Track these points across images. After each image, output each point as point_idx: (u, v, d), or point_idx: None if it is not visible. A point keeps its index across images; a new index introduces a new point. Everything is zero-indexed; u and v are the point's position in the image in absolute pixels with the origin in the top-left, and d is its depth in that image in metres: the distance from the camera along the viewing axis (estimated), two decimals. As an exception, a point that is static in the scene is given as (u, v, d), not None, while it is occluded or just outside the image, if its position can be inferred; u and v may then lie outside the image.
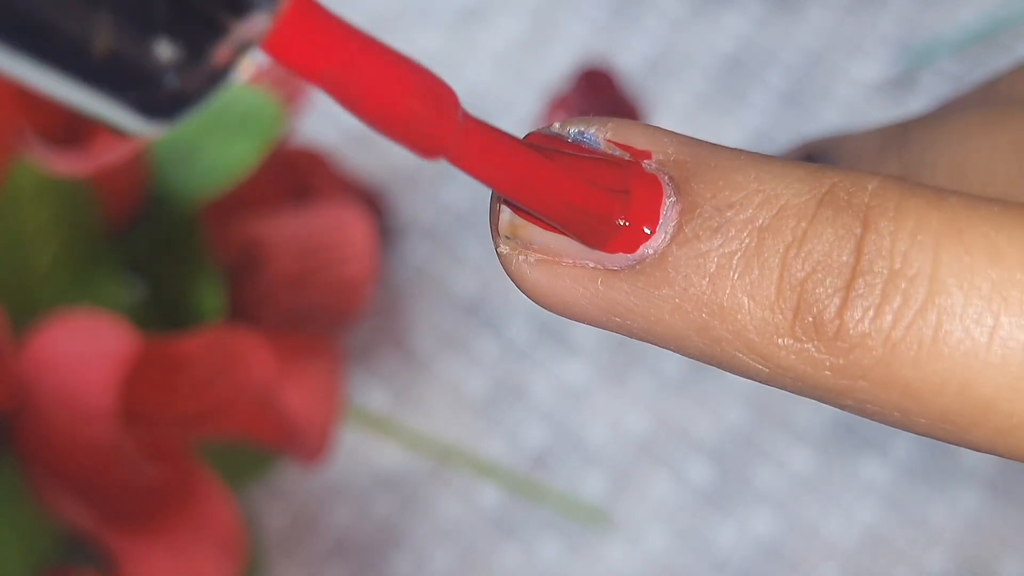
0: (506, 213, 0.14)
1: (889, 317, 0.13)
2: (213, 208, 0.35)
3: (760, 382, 0.14)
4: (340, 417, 0.34)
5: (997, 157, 0.16)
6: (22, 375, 0.29)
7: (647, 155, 0.14)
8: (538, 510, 0.40)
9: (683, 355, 0.14)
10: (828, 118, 0.46)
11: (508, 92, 0.47)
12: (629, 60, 0.47)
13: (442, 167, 0.51)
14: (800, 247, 0.13)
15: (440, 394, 0.41)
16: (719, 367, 0.14)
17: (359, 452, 0.41)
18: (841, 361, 0.13)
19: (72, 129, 0.33)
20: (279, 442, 0.33)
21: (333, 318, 0.36)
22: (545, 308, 0.14)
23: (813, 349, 0.13)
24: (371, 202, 0.42)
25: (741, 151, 0.14)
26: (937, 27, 0.47)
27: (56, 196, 0.31)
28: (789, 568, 0.38)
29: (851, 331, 0.13)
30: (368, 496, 0.40)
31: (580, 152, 0.14)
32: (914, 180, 0.13)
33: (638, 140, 0.14)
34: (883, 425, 0.13)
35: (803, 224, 0.13)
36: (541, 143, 0.14)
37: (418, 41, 0.48)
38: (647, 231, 0.13)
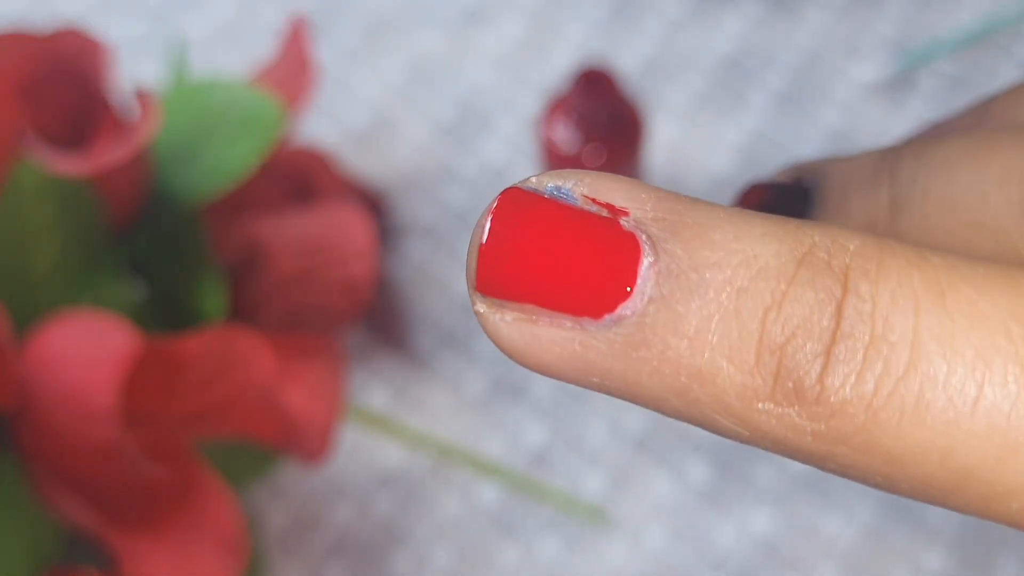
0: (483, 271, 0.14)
1: (871, 384, 0.12)
2: (214, 208, 0.35)
3: (741, 443, 0.13)
4: (341, 416, 0.34)
5: (987, 185, 0.16)
6: (24, 375, 0.29)
7: (624, 212, 0.13)
8: (538, 508, 0.40)
9: (663, 415, 0.14)
10: (826, 119, 0.46)
11: (508, 93, 0.47)
12: (628, 61, 0.47)
13: (441, 166, 0.51)
14: (780, 310, 0.13)
15: (440, 393, 0.42)
16: (699, 427, 0.14)
17: (360, 451, 0.41)
18: (822, 427, 0.13)
19: (74, 129, 0.33)
20: (280, 441, 0.33)
21: (334, 318, 0.36)
22: (523, 367, 0.14)
23: (794, 414, 0.13)
24: (371, 202, 0.42)
25: (720, 207, 0.13)
26: (934, 28, 0.47)
27: (58, 196, 0.31)
28: (788, 567, 0.39)
29: (832, 397, 0.12)
30: (369, 495, 0.40)
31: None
32: (895, 239, 0.13)
33: (615, 196, 0.13)
34: None
35: (782, 286, 0.13)
36: (515, 199, 0.14)
37: (419, 42, 0.48)
38: (626, 290, 0.13)
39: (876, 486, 0.13)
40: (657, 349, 0.13)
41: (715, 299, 0.13)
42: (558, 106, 0.39)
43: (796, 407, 0.13)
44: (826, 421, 0.13)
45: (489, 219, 0.13)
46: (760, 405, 0.13)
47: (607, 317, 0.13)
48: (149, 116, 0.31)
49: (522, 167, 0.44)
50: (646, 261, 0.13)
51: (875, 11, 0.48)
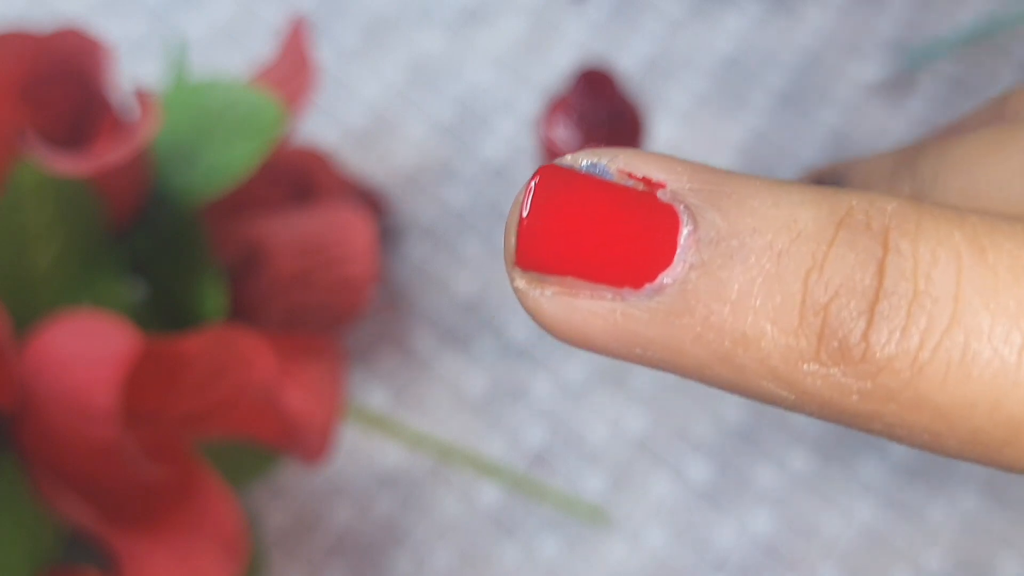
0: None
1: (916, 338, 0.12)
2: (214, 208, 0.35)
3: (786, 409, 0.13)
4: (341, 416, 0.34)
5: (1009, 178, 0.16)
6: (24, 375, 0.29)
7: (661, 185, 0.13)
8: (538, 509, 0.40)
9: (707, 384, 0.14)
10: (827, 119, 0.46)
11: (508, 92, 0.47)
12: (628, 61, 0.47)
13: (441, 166, 0.51)
14: (821, 271, 0.13)
15: (440, 393, 0.41)
16: (743, 395, 0.14)
17: (360, 451, 0.41)
18: (869, 385, 0.13)
19: (74, 129, 0.33)
20: (280, 441, 0.33)
21: (334, 317, 0.36)
22: (564, 342, 0.14)
23: (840, 373, 0.13)
24: (371, 202, 0.42)
25: (755, 177, 0.14)
26: (935, 28, 0.47)
27: (57, 196, 0.31)
28: (787, 567, 0.38)
29: (878, 354, 0.12)
30: (369, 495, 0.40)
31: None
32: (931, 201, 0.13)
33: (651, 170, 0.14)
34: None
35: (823, 248, 0.13)
36: (554, 175, 0.14)
37: (418, 41, 0.48)
38: (667, 259, 0.13)
39: (923, 445, 0.13)
40: (700, 315, 0.13)
41: (756, 263, 0.13)
42: (558, 106, 0.39)
43: (842, 366, 0.13)
44: (872, 379, 0.13)
45: (530, 195, 0.14)
46: (805, 367, 0.13)
47: (648, 287, 0.13)
48: (149, 116, 0.31)
49: (522, 167, 0.44)
50: (685, 230, 0.13)
51: (875, 11, 0.48)
